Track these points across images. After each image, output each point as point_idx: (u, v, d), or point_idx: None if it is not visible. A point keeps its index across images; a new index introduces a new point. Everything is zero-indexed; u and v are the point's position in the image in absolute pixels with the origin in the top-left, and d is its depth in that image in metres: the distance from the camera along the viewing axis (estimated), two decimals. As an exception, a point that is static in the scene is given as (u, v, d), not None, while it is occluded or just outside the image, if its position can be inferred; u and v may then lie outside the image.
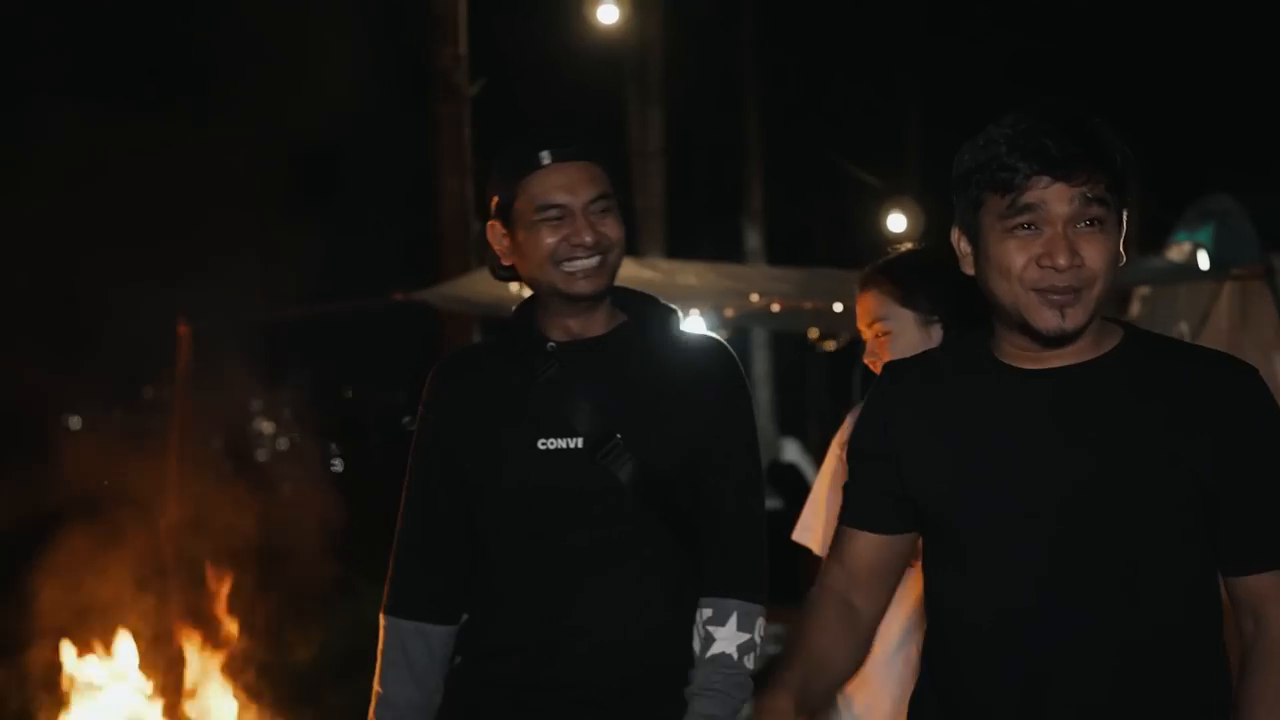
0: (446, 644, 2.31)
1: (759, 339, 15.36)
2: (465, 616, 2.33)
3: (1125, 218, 1.85)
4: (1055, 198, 1.79)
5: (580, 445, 2.19)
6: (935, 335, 2.54)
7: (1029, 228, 1.81)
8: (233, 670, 4.83)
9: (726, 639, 2.19)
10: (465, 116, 9.34)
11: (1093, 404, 1.86)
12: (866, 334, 2.66)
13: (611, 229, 2.22)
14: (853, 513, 2.08)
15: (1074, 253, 1.79)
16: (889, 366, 2.12)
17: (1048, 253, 1.79)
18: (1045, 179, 1.79)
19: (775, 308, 7.03)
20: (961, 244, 1.91)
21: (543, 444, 2.21)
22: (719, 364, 2.28)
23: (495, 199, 2.26)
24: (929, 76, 16.20)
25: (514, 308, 2.38)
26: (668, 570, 2.24)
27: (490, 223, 2.27)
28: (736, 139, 15.65)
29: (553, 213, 2.19)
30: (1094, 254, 1.81)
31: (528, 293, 2.32)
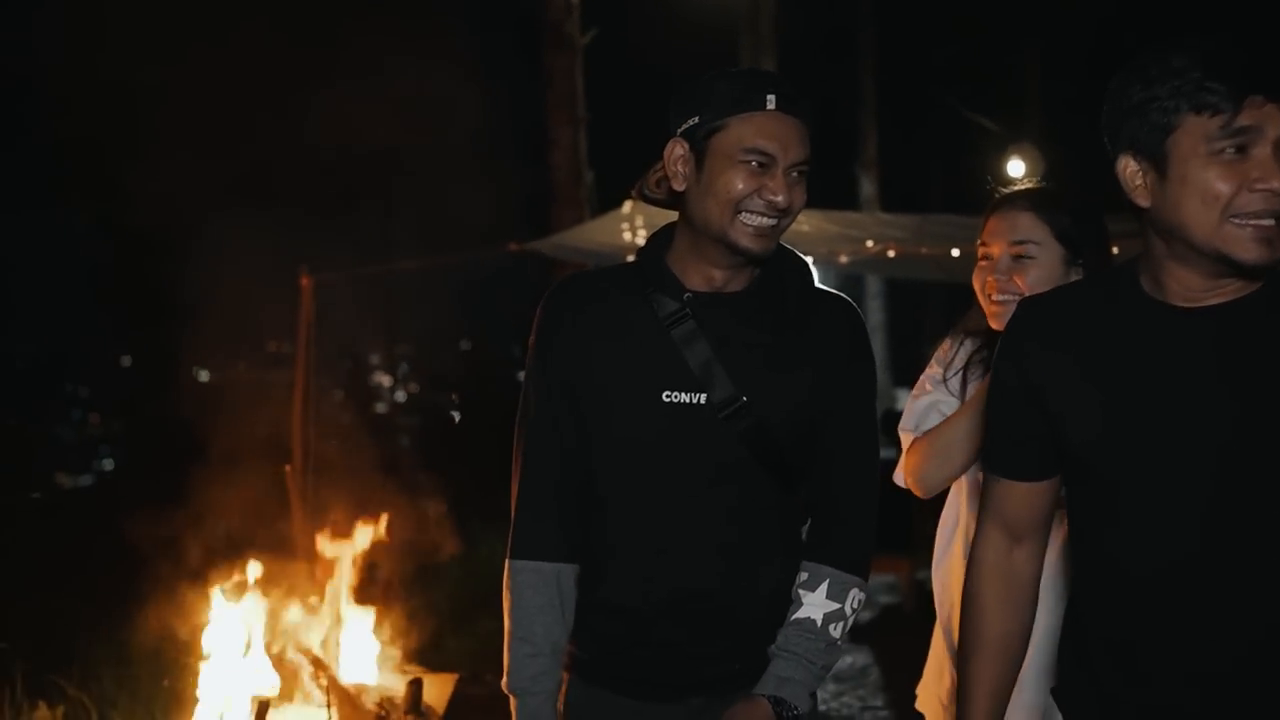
0: (575, 584, 2.25)
1: (873, 288, 15.20)
2: None
3: None
4: (1270, 119, 1.71)
5: (704, 401, 2.13)
6: (1072, 278, 2.48)
7: (1239, 151, 1.72)
8: (361, 613, 4.96)
9: (814, 605, 2.16)
10: (578, 66, 9.35)
11: (1255, 342, 1.78)
12: (998, 249, 2.55)
13: (799, 197, 2.11)
14: (1001, 461, 2.02)
15: None
16: (1030, 299, 2.03)
17: (1262, 176, 1.71)
18: (1260, 98, 1.71)
19: (891, 254, 6.92)
20: (1136, 175, 1.80)
21: (668, 396, 2.13)
22: (849, 330, 2.22)
23: (693, 119, 2.10)
24: (1048, 21, 15.75)
25: (643, 243, 2.27)
26: (784, 534, 2.21)
27: (674, 141, 2.13)
28: (851, 87, 15.42)
29: (757, 159, 2.07)
30: None
31: (641, 242, 2.25)
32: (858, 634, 7.37)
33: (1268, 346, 1.78)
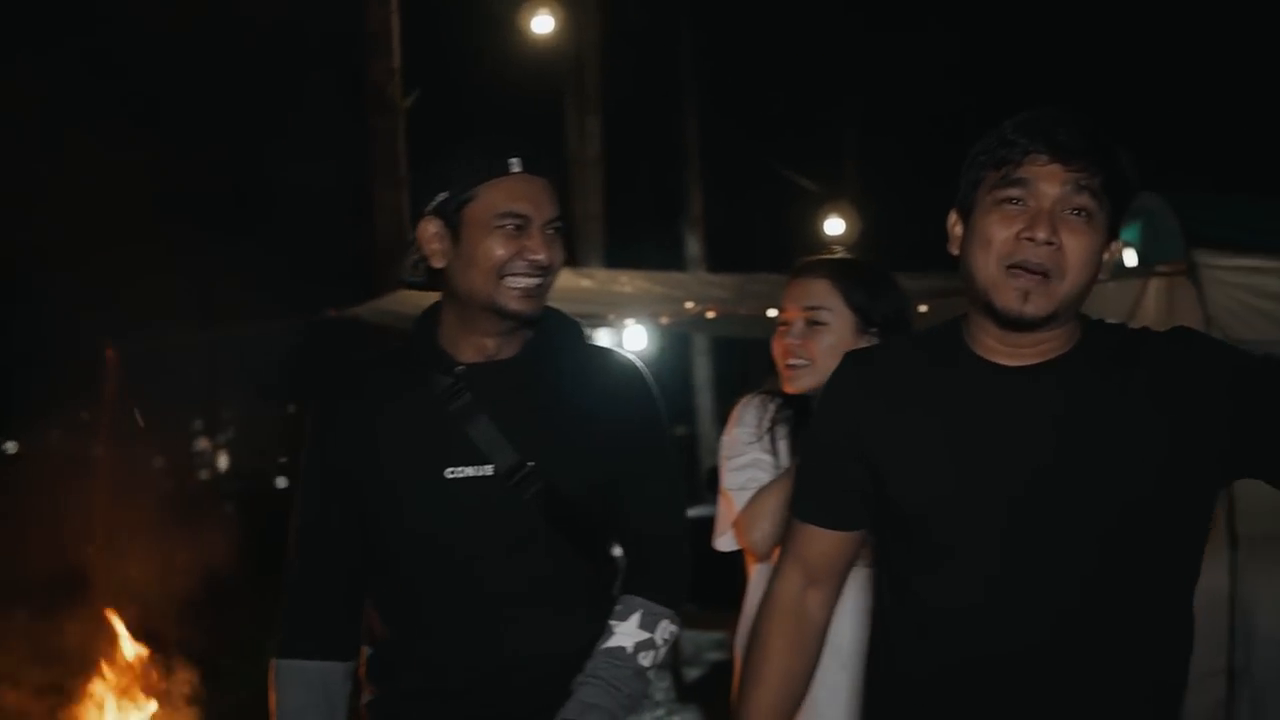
0: (348, 682, 2.20)
1: (700, 344, 15.36)
2: (368, 650, 2.24)
3: (1112, 226, 1.82)
4: (1048, 176, 1.79)
5: (491, 472, 2.12)
6: (863, 344, 2.54)
7: (1017, 203, 1.79)
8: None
9: (626, 634, 2.17)
10: (400, 129, 9.31)
11: (1075, 400, 1.83)
12: (793, 314, 2.61)
13: (558, 253, 2.15)
14: (812, 508, 2.03)
15: (1054, 231, 1.77)
16: (856, 355, 2.06)
17: (1029, 226, 1.78)
18: (1043, 157, 1.79)
19: (710, 314, 7.03)
20: (956, 226, 1.90)
21: (451, 473, 2.12)
22: (631, 382, 2.23)
23: (441, 194, 2.11)
24: (867, 82, 16.28)
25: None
26: (591, 598, 2.21)
27: (425, 220, 2.13)
28: (676, 146, 15.65)
29: (513, 222, 2.09)
30: (1074, 244, 1.78)
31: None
32: (687, 693, 7.38)
33: (1087, 405, 1.82)
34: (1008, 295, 1.79)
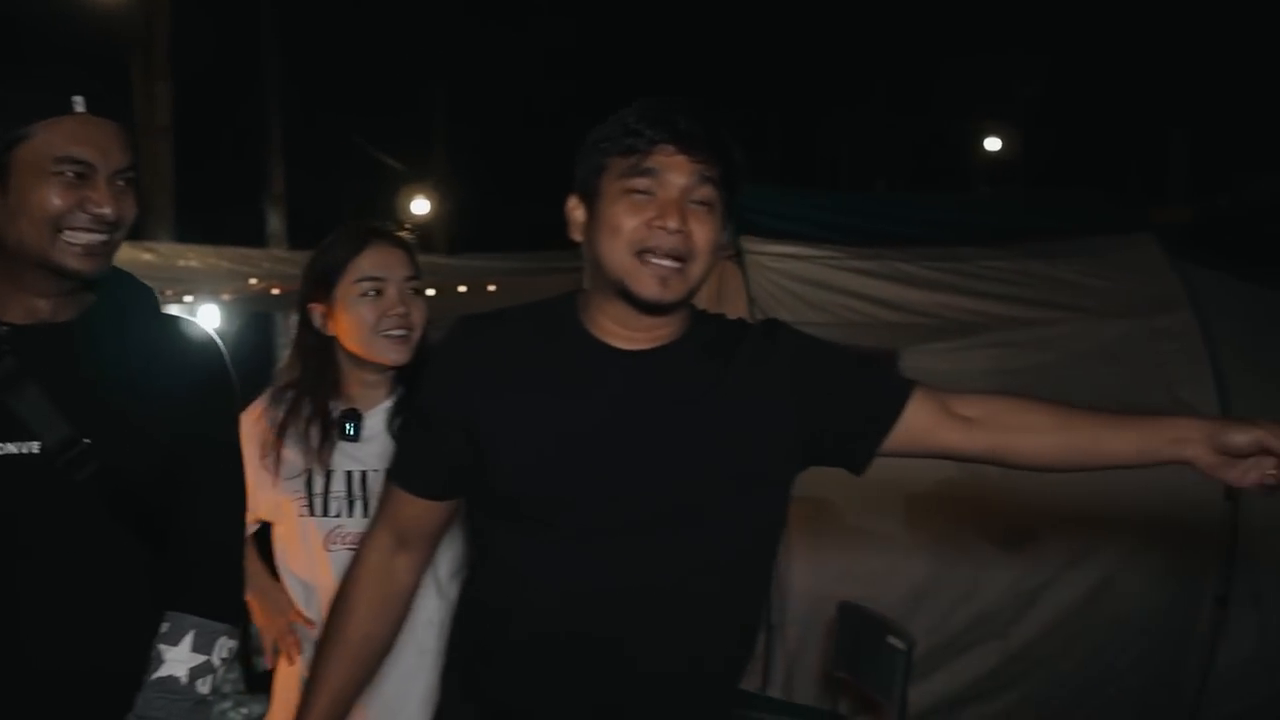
0: None
1: (284, 326, 14.93)
2: None
3: (726, 215, 1.89)
4: (676, 167, 1.83)
5: (37, 450, 1.86)
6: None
7: (645, 194, 1.83)
8: None
9: (179, 660, 1.94)
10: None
11: (681, 386, 1.88)
12: (389, 282, 2.53)
13: (129, 208, 1.90)
14: (408, 475, 2.01)
15: (684, 220, 1.82)
16: (468, 323, 2.00)
17: (660, 215, 1.82)
18: (670, 148, 1.82)
19: (275, 291, 6.85)
20: (577, 211, 1.90)
21: None
22: (207, 361, 2.02)
23: None
24: (457, 66, 16.32)
25: None
26: (152, 597, 1.96)
27: None
28: (259, 122, 15.12)
29: (72, 169, 1.83)
30: (701, 232, 1.84)
31: None
32: (257, 682, 7.13)
33: (687, 391, 1.89)
34: (645, 282, 1.83)
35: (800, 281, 5.10)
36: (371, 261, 2.54)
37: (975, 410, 1.93)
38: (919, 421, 1.93)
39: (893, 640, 3.39)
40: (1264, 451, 1.80)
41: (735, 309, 5.07)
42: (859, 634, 3.71)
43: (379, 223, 2.68)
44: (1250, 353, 5.02)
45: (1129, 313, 5.06)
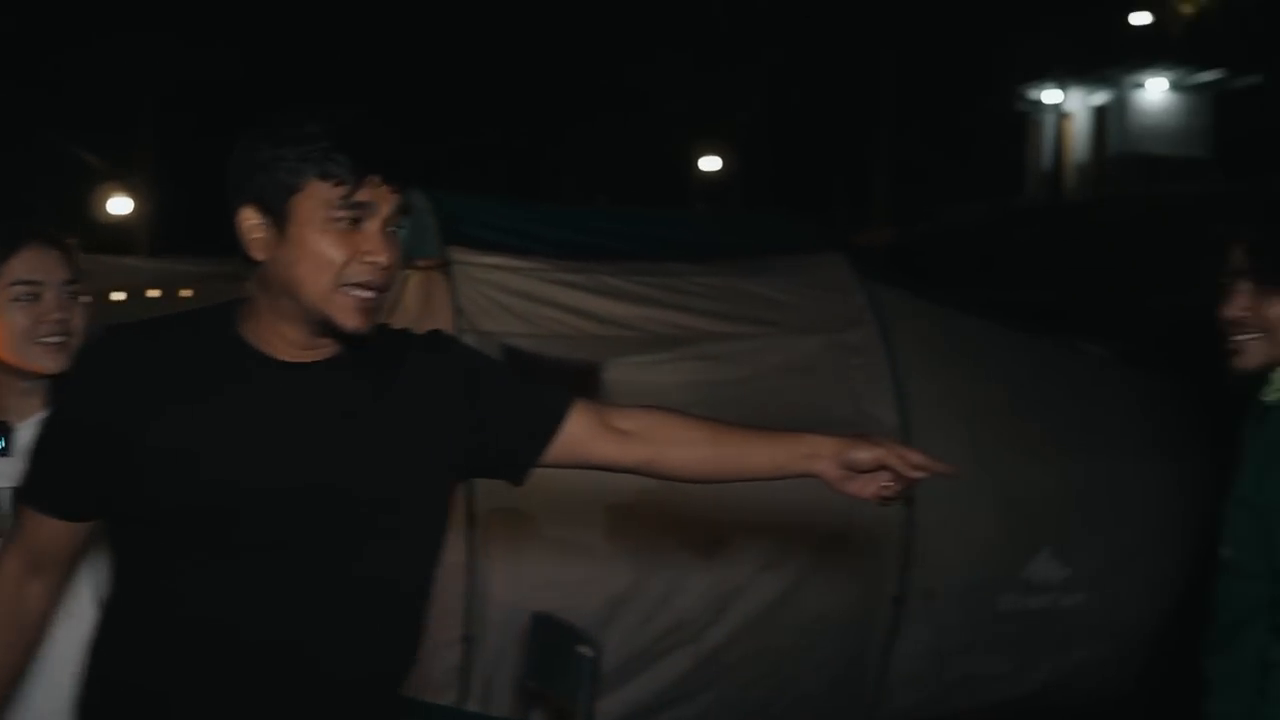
0: None
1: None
2: None
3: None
4: (383, 199, 1.81)
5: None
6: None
7: (353, 223, 1.80)
8: None
9: None
10: None
11: (345, 398, 1.87)
12: (49, 290, 2.40)
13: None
14: (43, 496, 1.92)
15: (389, 252, 1.82)
16: (116, 332, 1.93)
17: (372, 250, 1.80)
18: (378, 179, 1.80)
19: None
20: (257, 229, 1.82)
21: None
22: None
23: None
24: (165, 63, 15.69)
25: None
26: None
27: None
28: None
29: None
30: (395, 256, 1.84)
31: None
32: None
33: (350, 404, 1.87)
34: (349, 314, 1.81)
35: (508, 293, 5.11)
36: (26, 264, 2.41)
37: (632, 424, 2.02)
38: (577, 434, 2.00)
39: (581, 648, 3.43)
40: (883, 467, 1.95)
41: (442, 320, 5.05)
42: (550, 643, 3.74)
43: (34, 223, 2.54)
44: (928, 365, 5.34)
45: (819, 328, 5.30)
